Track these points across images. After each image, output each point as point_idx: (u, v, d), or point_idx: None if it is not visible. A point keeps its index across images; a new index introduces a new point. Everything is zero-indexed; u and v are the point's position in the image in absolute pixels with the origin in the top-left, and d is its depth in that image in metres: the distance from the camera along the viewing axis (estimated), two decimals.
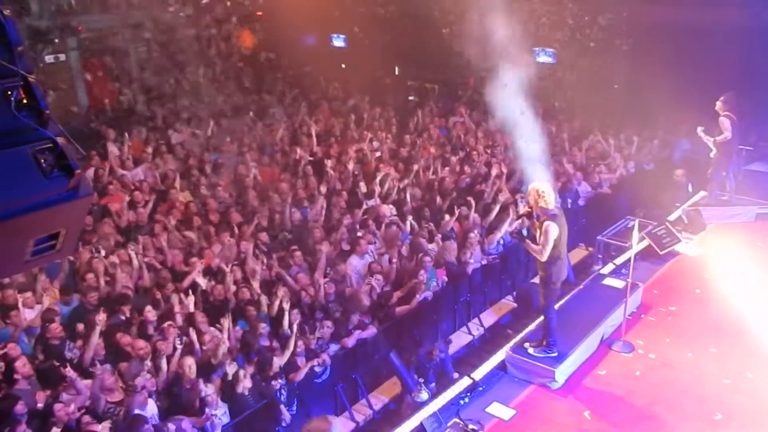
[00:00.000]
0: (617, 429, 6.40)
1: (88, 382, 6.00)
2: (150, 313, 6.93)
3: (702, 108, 10.38)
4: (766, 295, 8.24)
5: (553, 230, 6.39)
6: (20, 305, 6.70)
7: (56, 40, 14.18)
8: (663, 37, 12.60)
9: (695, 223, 10.40)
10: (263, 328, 7.09)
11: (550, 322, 7.06)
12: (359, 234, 8.95)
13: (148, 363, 6.28)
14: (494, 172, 11.00)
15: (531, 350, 7.17)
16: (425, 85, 17.34)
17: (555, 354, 7.09)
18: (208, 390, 6.10)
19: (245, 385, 6.33)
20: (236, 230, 8.90)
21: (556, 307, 7.23)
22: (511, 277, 9.72)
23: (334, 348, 7.33)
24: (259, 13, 18.23)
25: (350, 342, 7.40)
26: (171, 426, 5.55)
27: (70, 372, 5.77)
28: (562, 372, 7.03)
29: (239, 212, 9.56)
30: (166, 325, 6.69)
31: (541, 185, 6.56)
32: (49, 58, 14.25)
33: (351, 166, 11.18)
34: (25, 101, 2.40)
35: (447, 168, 11.59)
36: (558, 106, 14.55)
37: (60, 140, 2.43)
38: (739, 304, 8.16)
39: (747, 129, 10.71)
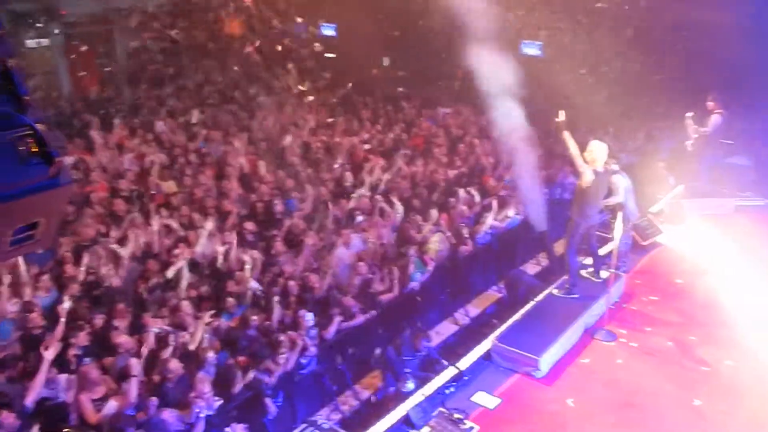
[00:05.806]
0: (600, 416, 6.48)
1: (65, 376, 5.81)
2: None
3: (692, 102, 10.50)
4: (744, 285, 8.41)
5: (586, 178, 7.41)
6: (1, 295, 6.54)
7: (39, 25, 13.93)
8: (656, 31, 12.62)
9: (676, 215, 10.55)
10: (253, 320, 6.95)
11: (570, 263, 8.01)
12: (347, 224, 8.93)
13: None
14: (482, 162, 10.94)
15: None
16: (414, 77, 17.24)
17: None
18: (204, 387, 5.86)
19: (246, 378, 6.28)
20: (221, 219, 8.82)
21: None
22: (498, 267, 9.74)
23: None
24: (247, 1, 18.02)
25: (331, 331, 7.32)
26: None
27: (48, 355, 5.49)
28: (546, 361, 7.10)
29: (224, 202, 9.47)
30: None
31: (598, 146, 7.49)
32: (31, 43, 14.00)
33: (339, 157, 11.10)
34: (4, 87, 2.35)
35: (435, 159, 11.56)
36: (546, 98, 14.49)
37: (40, 127, 2.37)
38: (718, 294, 8.31)
39: (728, 123, 10.84)
